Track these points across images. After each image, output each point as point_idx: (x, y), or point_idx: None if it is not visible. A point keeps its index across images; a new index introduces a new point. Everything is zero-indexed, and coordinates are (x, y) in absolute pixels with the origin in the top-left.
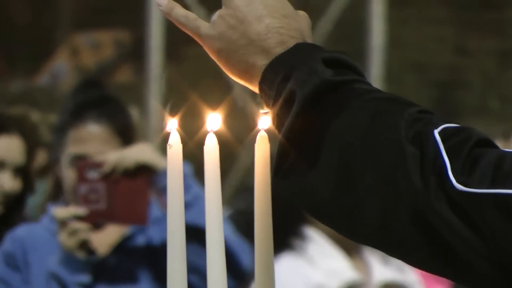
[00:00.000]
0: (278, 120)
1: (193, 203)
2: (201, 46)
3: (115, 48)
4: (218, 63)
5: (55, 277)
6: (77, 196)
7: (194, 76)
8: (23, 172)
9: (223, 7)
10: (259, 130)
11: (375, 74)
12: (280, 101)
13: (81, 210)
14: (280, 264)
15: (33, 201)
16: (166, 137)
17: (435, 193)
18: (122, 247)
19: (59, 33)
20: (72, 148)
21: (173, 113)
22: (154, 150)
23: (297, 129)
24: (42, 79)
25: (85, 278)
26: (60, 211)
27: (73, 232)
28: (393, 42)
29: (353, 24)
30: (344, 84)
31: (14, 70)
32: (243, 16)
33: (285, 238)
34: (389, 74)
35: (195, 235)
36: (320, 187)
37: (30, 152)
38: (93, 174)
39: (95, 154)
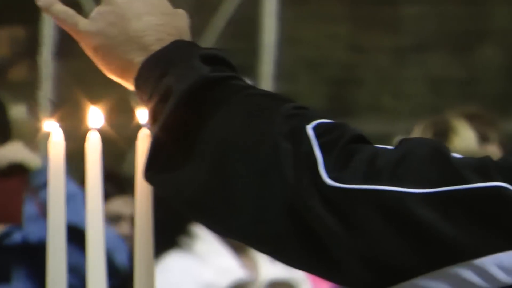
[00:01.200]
0: (153, 116)
1: (68, 201)
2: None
3: (10, 45)
4: (94, 60)
5: None
6: None
7: (85, 72)
8: None
9: (102, 3)
10: (141, 127)
11: (268, 72)
12: (156, 96)
13: None
14: (170, 263)
15: None
16: (48, 135)
17: (307, 188)
18: (2, 245)
19: None
20: None
21: (56, 111)
22: (27, 150)
23: (173, 125)
24: None
25: None
26: None
27: None
28: (287, 39)
29: (246, 21)
30: (222, 81)
31: None
32: (122, 13)
33: (173, 237)
34: (283, 72)
35: (70, 233)
36: (194, 182)
37: None
38: None
39: None
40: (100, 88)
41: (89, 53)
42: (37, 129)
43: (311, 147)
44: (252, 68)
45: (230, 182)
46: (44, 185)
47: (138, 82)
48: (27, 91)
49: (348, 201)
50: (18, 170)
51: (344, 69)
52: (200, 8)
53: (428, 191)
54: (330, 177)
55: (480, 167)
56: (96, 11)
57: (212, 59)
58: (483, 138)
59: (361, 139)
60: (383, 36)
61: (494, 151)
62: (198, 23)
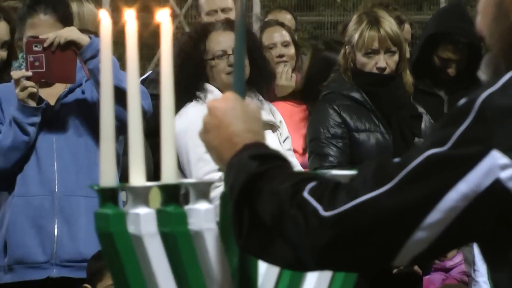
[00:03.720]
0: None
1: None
2: None
3: None
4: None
5: (14, 120)
6: (26, 63)
7: None
8: (9, 46)
9: (207, 113)
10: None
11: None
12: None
13: (28, 72)
14: (189, 109)
15: (16, 64)
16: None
17: (317, 227)
18: (66, 99)
19: None
20: (28, 31)
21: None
22: (79, 31)
23: (238, 209)
24: None
25: (35, 119)
26: (15, 73)
27: (23, 88)
28: None
29: None
30: (261, 174)
31: None
32: (216, 123)
33: (193, 92)
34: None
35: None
36: (263, 239)
37: (12, 32)
38: (37, 48)
39: (43, 35)
40: None
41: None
42: (97, 19)
43: (311, 205)
44: None
45: (277, 236)
46: (91, 57)
47: (226, 175)
48: None
49: (344, 217)
50: (73, 45)
51: None
52: None
53: (389, 186)
54: (327, 211)
55: (411, 153)
56: (204, 119)
57: (259, 155)
58: (400, 21)
59: (338, 183)
60: None
61: (408, 28)
62: None
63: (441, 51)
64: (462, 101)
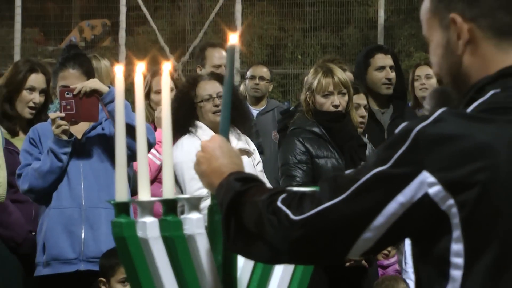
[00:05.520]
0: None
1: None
2: (147, 25)
3: (102, 28)
4: (199, 178)
5: (51, 150)
6: (60, 107)
7: (143, 43)
8: (45, 92)
9: (200, 150)
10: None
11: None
12: (219, 205)
13: (62, 114)
14: (184, 141)
15: (52, 107)
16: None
17: (288, 229)
18: (90, 134)
19: (73, 20)
20: (60, 82)
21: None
22: (100, 82)
23: (227, 220)
24: (64, 45)
25: (67, 150)
26: (52, 114)
27: (58, 126)
28: (248, 24)
29: (228, 17)
30: (244, 191)
31: (49, 40)
32: (207, 157)
33: (186, 127)
34: (245, 41)
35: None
36: (245, 240)
37: (47, 82)
38: (68, 95)
39: (72, 85)
40: (146, 52)
41: (198, 175)
42: (111, 72)
43: (283, 211)
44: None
45: (257, 238)
46: (109, 102)
47: (216, 195)
48: (111, 53)
49: (309, 221)
50: (96, 93)
51: (277, 39)
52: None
53: (344, 196)
54: (295, 216)
55: (360, 169)
56: (197, 154)
57: (242, 178)
58: (342, 69)
59: (303, 194)
60: (296, 23)
61: (350, 76)
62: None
63: (377, 62)
64: (400, 128)
